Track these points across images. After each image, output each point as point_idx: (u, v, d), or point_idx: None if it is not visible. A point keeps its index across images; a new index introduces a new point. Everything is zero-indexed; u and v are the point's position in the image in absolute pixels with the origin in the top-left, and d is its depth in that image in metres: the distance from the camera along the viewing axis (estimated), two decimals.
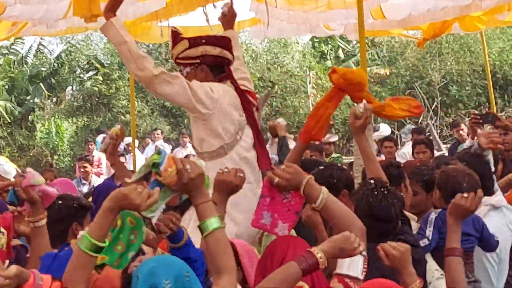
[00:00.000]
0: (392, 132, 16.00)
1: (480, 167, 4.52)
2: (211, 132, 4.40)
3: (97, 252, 2.81)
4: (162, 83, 4.25)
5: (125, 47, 4.18)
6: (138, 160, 11.17)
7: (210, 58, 4.52)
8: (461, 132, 10.92)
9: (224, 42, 4.62)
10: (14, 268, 2.81)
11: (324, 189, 3.28)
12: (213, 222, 2.96)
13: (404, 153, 10.35)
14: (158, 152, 3.00)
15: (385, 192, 3.74)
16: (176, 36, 4.58)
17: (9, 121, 22.82)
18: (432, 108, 21.15)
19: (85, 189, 9.90)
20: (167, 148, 14.72)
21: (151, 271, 2.72)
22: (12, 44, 24.42)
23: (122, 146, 14.48)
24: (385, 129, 11.86)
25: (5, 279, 2.77)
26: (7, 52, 24.64)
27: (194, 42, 4.53)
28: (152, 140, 15.40)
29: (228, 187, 3.50)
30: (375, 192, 3.73)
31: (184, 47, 4.51)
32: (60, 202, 4.12)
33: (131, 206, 2.83)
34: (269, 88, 21.91)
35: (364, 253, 3.03)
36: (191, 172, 2.93)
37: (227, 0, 6.24)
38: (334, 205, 3.26)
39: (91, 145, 14.99)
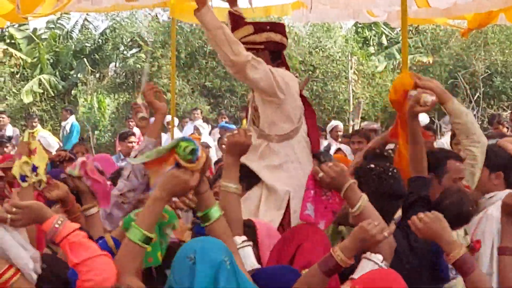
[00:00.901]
0: (432, 122, 15.88)
1: None
2: (284, 117, 4.52)
3: (146, 243, 2.84)
4: (252, 69, 4.35)
5: (221, 31, 4.24)
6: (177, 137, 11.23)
7: (273, 44, 4.63)
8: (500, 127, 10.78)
9: (283, 29, 4.73)
10: (29, 202, 2.86)
11: (364, 196, 3.30)
12: (216, 211, 3.06)
13: (443, 143, 10.27)
14: (187, 139, 3.01)
15: (390, 171, 3.72)
16: (238, 19, 4.60)
17: (53, 95, 23.10)
18: (475, 98, 20.91)
19: (124, 164, 10.01)
20: (206, 128, 14.79)
21: (206, 250, 2.69)
22: (58, 18, 24.68)
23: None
24: (422, 118, 11.79)
25: (13, 209, 2.82)
26: (53, 26, 24.91)
27: (259, 28, 4.62)
28: (191, 120, 15.48)
29: (241, 148, 3.55)
30: (383, 174, 3.70)
31: (248, 32, 4.58)
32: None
33: (187, 189, 2.91)
34: (310, 73, 21.85)
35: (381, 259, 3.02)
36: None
37: None
38: (371, 214, 3.25)
39: (132, 121, 15.13)
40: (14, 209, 2.81)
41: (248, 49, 4.46)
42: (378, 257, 3.07)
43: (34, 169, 3.54)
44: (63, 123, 15.65)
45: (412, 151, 4.05)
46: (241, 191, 3.60)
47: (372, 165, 3.78)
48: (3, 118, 15.03)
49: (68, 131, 14.69)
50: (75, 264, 2.75)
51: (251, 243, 3.29)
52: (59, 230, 2.82)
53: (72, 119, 15.04)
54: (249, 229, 3.42)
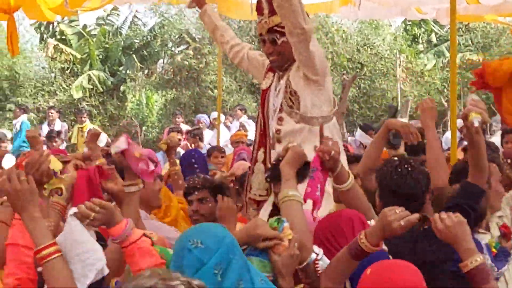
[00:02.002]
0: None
1: None
2: (324, 98, 4.53)
3: None
4: (313, 40, 4.39)
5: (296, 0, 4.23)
6: (223, 135, 11.30)
7: None
8: None
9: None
10: (108, 203, 2.89)
11: (351, 175, 3.39)
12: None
13: (494, 142, 10.06)
14: (278, 220, 3.01)
15: (409, 169, 3.60)
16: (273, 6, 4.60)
17: (102, 90, 23.36)
18: None
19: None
20: (251, 124, 14.83)
21: (216, 234, 2.59)
22: (108, 15, 24.93)
23: (207, 121, 14.67)
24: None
25: (97, 207, 2.85)
26: (103, 22, 25.17)
27: None
28: (232, 117, 15.40)
29: (301, 160, 3.43)
30: (399, 169, 3.61)
31: None
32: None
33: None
34: (358, 70, 21.74)
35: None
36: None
37: None
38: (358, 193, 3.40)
39: (178, 118, 15.26)
40: (98, 208, 2.85)
41: (283, 33, 4.44)
42: (316, 251, 3.06)
43: (55, 174, 3.55)
44: (14, 121, 15.77)
45: (472, 156, 3.95)
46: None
47: (395, 159, 3.74)
48: (52, 113, 15.27)
49: (18, 128, 14.81)
50: (139, 269, 2.76)
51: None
52: (130, 234, 2.87)
53: (23, 117, 15.09)
54: None
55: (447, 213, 2.96)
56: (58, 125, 15.03)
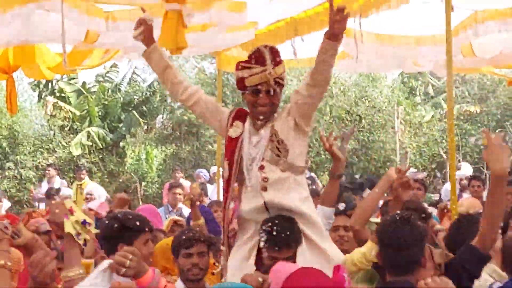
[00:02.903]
0: (481, 171, 15.67)
1: None
2: (306, 148, 4.66)
3: None
4: None
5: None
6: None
7: None
8: None
9: None
10: (137, 251, 2.86)
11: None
12: None
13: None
14: None
15: (402, 220, 3.60)
16: (278, 55, 4.61)
17: (101, 147, 23.39)
18: None
19: (173, 216, 10.00)
20: None
21: None
22: (107, 72, 25.13)
23: (207, 176, 14.65)
24: (466, 168, 11.66)
25: (127, 256, 2.81)
26: (102, 79, 25.35)
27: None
28: None
29: None
30: (394, 222, 3.61)
31: (284, 69, 4.64)
32: (106, 221, 4.15)
33: None
34: (356, 123, 21.81)
35: None
36: None
37: (316, 34, 6.35)
38: None
39: (178, 173, 15.25)
40: (131, 256, 2.82)
41: (281, 85, 4.56)
42: None
43: (84, 223, 3.53)
44: None
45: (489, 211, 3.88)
46: None
47: (398, 212, 3.76)
48: (49, 171, 15.29)
49: None
50: None
51: None
52: (159, 282, 2.87)
53: None
54: None
55: (433, 277, 3.02)
56: (58, 182, 15.03)
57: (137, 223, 4.07)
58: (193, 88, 4.71)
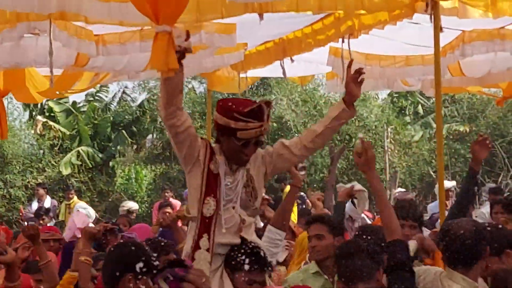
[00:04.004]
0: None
1: None
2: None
3: None
4: None
5: None
6: None
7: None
8: None
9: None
10: None
11: None
12: None
13: (483, 213, 9.94)
14: None
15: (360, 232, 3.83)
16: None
17: (91, 166, 23.35)
18: None
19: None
20: None
21: None
22: (97, 91, 25.13)
23: None
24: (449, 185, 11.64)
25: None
26: (92, 99, 25.35)
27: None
28: None
29: None
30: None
31: None
32: (123, 248, 4.14)
33: None
34: (346, 142, 21.85)
35: None
36: None
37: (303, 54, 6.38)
38: None
39: (168, 192, 15.21)
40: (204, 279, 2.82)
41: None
42: None
43: None
44: None
45: (379, 209, 4.07)
46: None
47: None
48: (38, 190, 15.27)
49: None
50: None
51: None
52: None
53: None
54: None
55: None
56: (48, 202, 14.99)
57: (154, 263, 4.05)
58: (190, 119, 4.41)
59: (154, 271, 3.84)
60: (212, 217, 4.33)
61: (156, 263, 4.01)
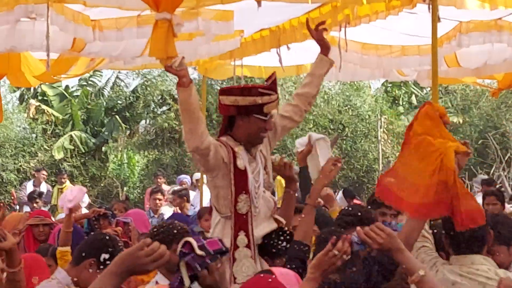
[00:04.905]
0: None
1: None
2: None
3: None
4: None
5: None
6: (206, 195, 11.26)
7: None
8: None
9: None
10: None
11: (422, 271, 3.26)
12: None
13: None
14: None
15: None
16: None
17: (83, 151, 23.31)
18: (505, 159, 20.73)
19: (154, 221, 10.01)
20: None
21: None
22: (90, 76, 25.02)
23: (189, 181, 14.61)
24: None
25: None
26: (86, 84, 25.26)
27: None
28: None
29: None
30: None
31: None
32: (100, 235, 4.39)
33: (136, 267, 2.56)
34: (339, 131, 21.87)
35: None
36: None
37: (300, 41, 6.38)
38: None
39: (160, 178, 15.21)
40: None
41: None
42: None
43: None
44: None
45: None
46: None
47: None
48: (39, 173, 15.29)
49: None
50: None
51: None
52: None
53: None
54: None
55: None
56: (44, 186, 14.99)
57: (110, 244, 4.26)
58: (209, 135, 4.30)
59: None
60: (247, 213, 4.33)
61: None
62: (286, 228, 4.40)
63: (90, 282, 3.89)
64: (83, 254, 4.19)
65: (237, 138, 4.39)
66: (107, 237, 4.29)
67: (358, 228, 3.26)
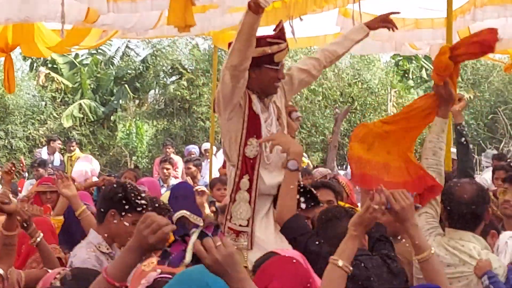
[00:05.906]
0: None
1: None
2: None
3: None
4: None
5: None
6: (215, 166, 11.30)
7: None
8: None
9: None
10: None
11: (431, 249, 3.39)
12: None
13: (485, 179, 9.94)
14: None
15: None
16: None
17: (92, 120, 23.35)
18: None
19: (163, 191, 10.03)
20: None
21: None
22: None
23: (198, 152, 14.63)
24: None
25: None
26: (95, 52, 25.22)
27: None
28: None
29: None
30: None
31: None
32: (114, 185, 4.39)
33: (143, 241, 2.53)
34: (349, 104, 21.82)
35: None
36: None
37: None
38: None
39: (169, 148, 15.21)
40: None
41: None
42: None
43: None
44: None
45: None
46: None
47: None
48: (54, 142, 15.34)
49: None
50: None
51: None
52: None
53: None
54: None
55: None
56: (58, 156, 15.05)
57: (138, 201, 4.22)
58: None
59: (139, 209, 4.14)
60: (256, 158, 4.33)
61: (141, 202, 4.20)
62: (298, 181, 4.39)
63: (120, 232, 4.17)
64: (102, 210, 4.28)
65: (251, 90, 4.40)
66: (115, 185, 4.35)
67: (384, 188, 3.29)
